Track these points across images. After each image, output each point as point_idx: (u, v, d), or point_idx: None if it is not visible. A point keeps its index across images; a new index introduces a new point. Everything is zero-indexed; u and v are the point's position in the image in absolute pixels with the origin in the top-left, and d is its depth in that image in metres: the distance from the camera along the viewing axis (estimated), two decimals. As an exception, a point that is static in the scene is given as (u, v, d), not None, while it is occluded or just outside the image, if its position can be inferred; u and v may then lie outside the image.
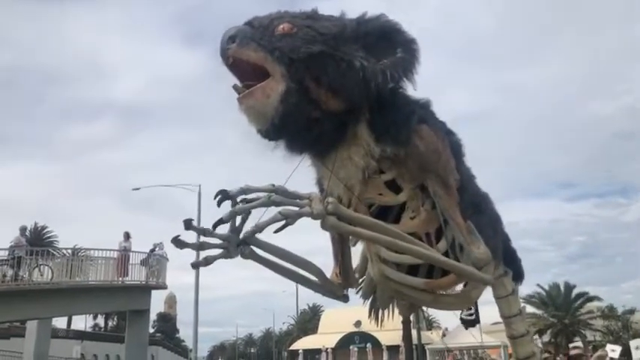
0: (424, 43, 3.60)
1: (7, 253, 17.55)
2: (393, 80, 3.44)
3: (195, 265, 3.36)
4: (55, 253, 25.47)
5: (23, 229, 18.93)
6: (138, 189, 25.59)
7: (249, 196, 3.14)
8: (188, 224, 3.10)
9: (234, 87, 3.46)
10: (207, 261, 3.32)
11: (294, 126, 3.36)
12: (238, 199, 3.13)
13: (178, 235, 3.15)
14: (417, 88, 3.63)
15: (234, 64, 3.37)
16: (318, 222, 3.14)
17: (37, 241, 32.85)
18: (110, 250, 19.62)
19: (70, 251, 24.14)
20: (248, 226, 3.21)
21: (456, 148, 4.02)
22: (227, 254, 3.29)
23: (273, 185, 3.11)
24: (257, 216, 3.18)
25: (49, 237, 43.05)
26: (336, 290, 4.07)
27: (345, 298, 4.16)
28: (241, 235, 3.23)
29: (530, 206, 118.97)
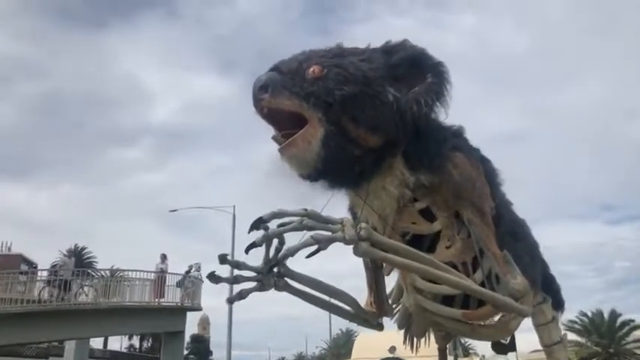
0: (456, 66, 3.57)
1: (48, 273, 18.06)
2: (427, 106, 3.41)
3: (231, 301, 3.39)
4: (93, 274, 26.11)
5: (70, 252, 19.44)
6: (175, 210, 26.24)
7: (282, 220, 3.07)
8: (223, 259, 3.10)
9: (274, 138, 3.45)
10: (242, 295, 3.31)
11: (337, 167, 3.35)
12: (270, 224, 3.05)
13: (214, 272, 3.17)
14: (449, 113, 3.57)
15: (269, 114, 3.36)
16: (351, 247, 3.05)
17: (77, 263, 33.60)
18: (147, 271, 19.95)
19: (108, 272, 24.74)
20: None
21: (490, 175, 3.96)
22: (262, 287, 3.28)
23: (306, 209, 3.05)
24: (291, 244, 3.13)
25: (89, 258, 44.05)
26: (370, 319, 4.05)
27: (379, 327, 4.13)
28: (272, 261, 3.20)
29: (569, 229, 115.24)
